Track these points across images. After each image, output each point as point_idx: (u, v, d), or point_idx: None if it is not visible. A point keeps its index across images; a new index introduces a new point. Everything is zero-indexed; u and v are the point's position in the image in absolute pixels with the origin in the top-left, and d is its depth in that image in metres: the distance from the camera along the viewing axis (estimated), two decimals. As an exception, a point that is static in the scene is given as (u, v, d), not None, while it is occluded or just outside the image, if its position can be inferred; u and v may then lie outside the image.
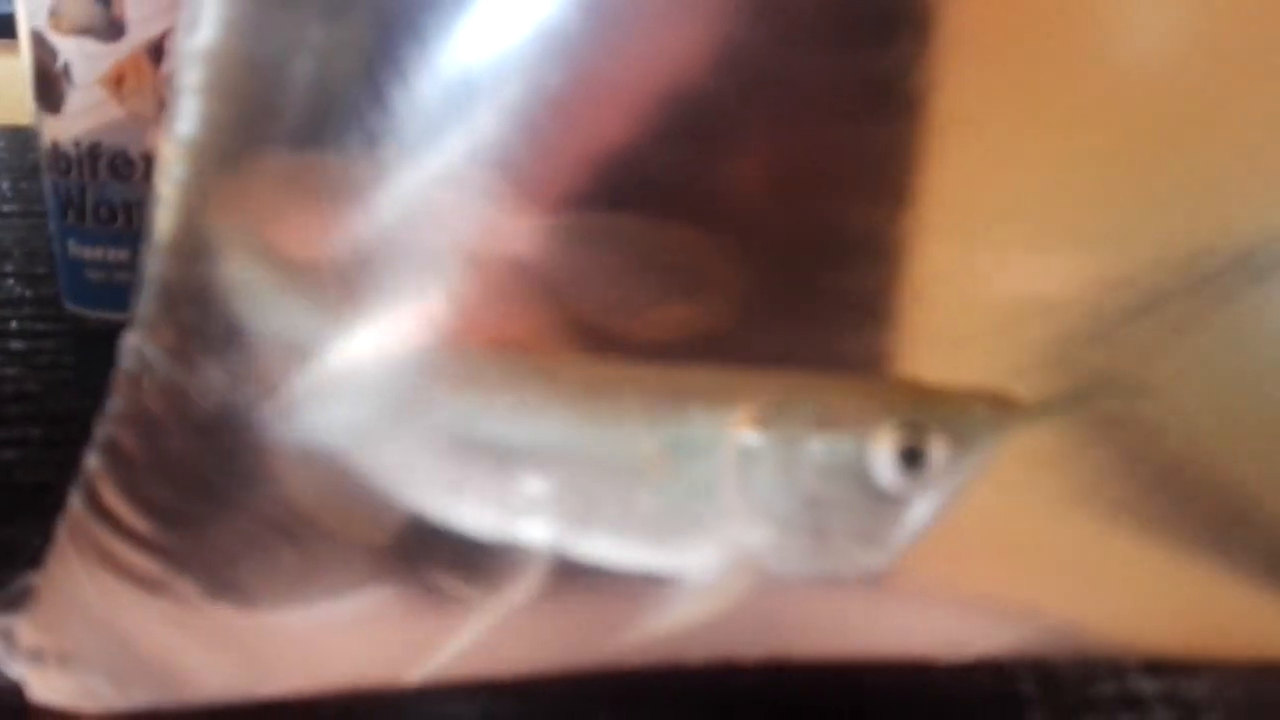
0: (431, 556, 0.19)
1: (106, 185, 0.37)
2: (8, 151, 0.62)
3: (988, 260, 0.20)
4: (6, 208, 0.53)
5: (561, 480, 0.18)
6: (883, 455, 0.17)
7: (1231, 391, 0.21)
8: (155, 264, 0.19)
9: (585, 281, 0.18)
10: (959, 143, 0.19)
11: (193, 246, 0.19)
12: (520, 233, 0.18)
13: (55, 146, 0.37)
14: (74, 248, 0.38)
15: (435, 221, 0.18)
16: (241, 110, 0.19)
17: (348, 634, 0.21)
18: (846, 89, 0.18)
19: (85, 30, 0.36)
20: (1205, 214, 0.20)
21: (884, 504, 0.18)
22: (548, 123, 0.18)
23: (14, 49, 0.39)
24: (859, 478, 0.18)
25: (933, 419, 0.18)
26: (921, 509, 0.18)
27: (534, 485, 0.18)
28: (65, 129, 0.37)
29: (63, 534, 0.20)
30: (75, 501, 0.20)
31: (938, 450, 0.17)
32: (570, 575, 0.20)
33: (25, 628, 0.21)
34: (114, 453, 0.19)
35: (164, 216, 0.19)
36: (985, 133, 0.19)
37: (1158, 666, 0.23)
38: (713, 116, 0.18)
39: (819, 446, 0.18)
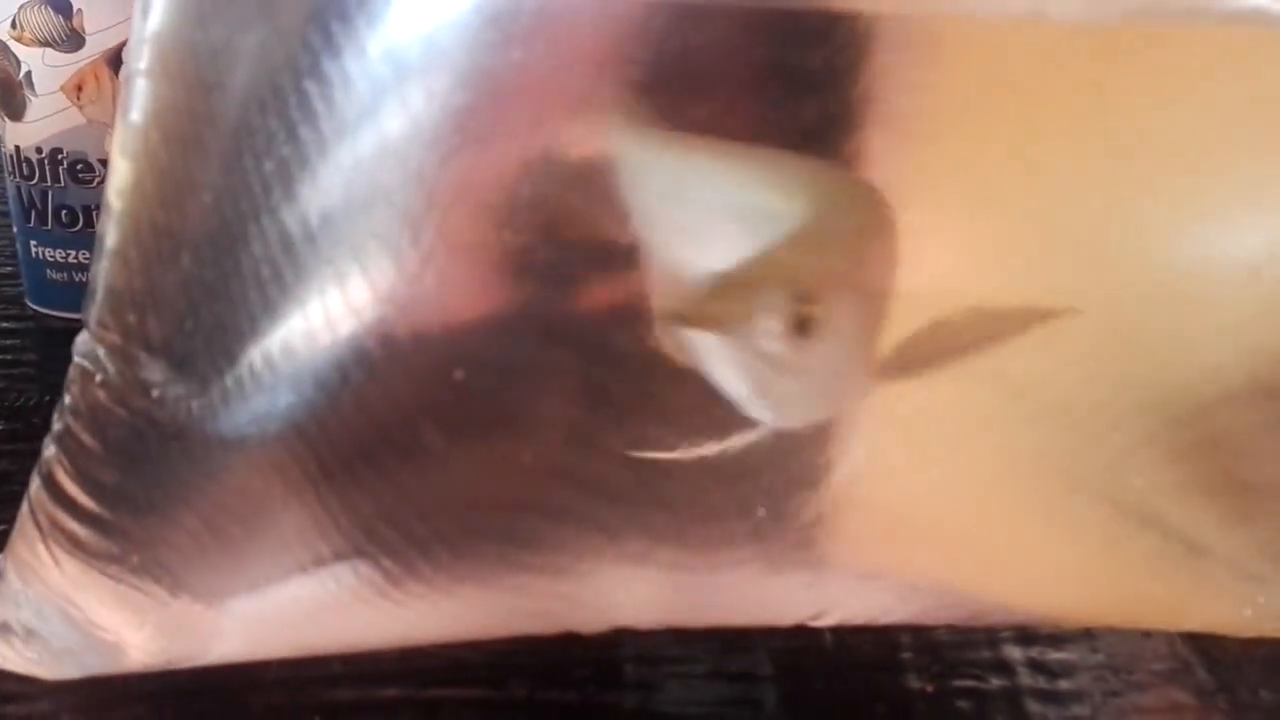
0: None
1: (67, 189, 0.39)
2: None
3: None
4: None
5: None
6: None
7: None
8: (102, 268, 0.21)
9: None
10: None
11: (137, 253, 0.21)
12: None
13: (18, 152, 0.39)
14: (36, 249, 0.40)
15: (377, 198, 0.19)
16: (188, 93, 0.20)
17: (290, 612, 0.23)
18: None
19: (47, 41, 0.38)
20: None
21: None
22: (482, 109, 0.19)
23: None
24: None
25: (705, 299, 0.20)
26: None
27: None
28: (27, 135, 0.39)
29: (24, 514, 0.22)
30: (35, 484, 0.22)
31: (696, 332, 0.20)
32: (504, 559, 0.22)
33: (-9, 603, 0.22)
34: (68, 442, 0.21)
35: (111, 224, 0.21)
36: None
37: (1028, 636, 0.25)
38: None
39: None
